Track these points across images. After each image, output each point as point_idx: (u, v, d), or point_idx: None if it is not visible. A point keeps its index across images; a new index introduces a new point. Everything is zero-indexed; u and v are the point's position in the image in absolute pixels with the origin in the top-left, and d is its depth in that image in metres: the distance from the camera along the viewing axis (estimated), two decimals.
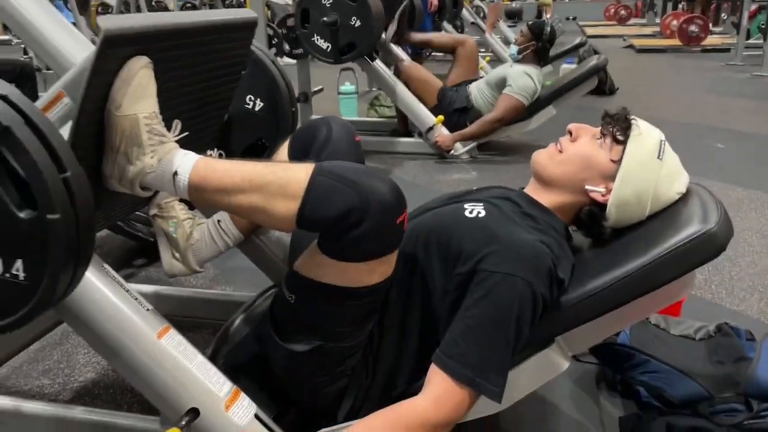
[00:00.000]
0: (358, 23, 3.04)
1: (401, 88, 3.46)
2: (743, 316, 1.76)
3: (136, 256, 2.26)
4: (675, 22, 9.08)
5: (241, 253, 1.54)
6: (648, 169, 1.12)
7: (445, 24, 5.74)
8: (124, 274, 2.13)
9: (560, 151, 1.19)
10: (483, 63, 5.30)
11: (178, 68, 1.17)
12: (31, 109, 0.81)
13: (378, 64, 3.42)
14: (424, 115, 3.43)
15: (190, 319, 1.71)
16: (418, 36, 3.77)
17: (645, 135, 1.15)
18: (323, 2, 3.05)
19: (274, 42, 3.63)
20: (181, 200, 1.32)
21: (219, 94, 1.35)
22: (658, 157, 1.13)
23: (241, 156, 1.61)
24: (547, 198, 1.20)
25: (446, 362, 1.02)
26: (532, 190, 1.23)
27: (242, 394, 1.14)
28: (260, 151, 1.60)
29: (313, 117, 4.10)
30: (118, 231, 2.21)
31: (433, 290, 1.11)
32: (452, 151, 3.42)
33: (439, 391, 1.01)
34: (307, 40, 3.15)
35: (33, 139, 0.79)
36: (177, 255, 1.30)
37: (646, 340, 1.47)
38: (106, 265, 1.13)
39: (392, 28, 3.46)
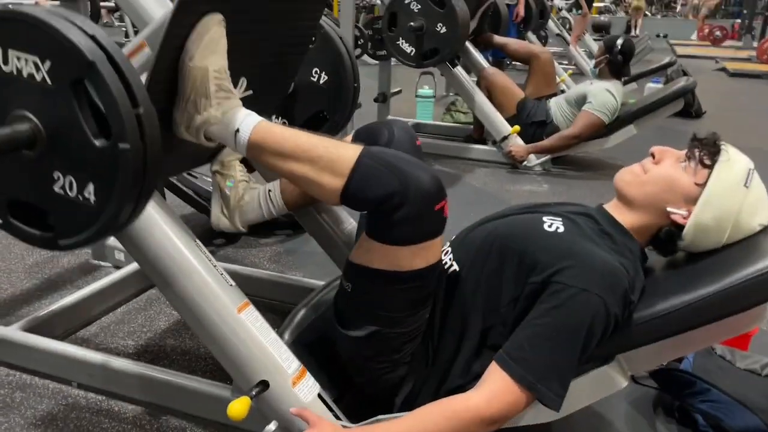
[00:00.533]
0: (443, 30, 3.10)
1: (479, 95, 3.48)
2: None
3: (217, 236, 2.40)
4: None
5: (313, 241, 1.63)
6: (732, 195, 1.12)
7: (530, 34, 5.71)
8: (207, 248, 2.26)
9: (645, 172, 1.21)
10: (564, 76, 5.23)
11: (249, 30, 1.24)
12: (114, 49, 0.90)
13: (459, 69, 3.46)
14: (500, 124, 3.45)
15: (261, 300, 1.81)
16: (496, 38, 3.78)
17: (733, 161, 1.15)
18: (412, 7, 3.12)
19: (359, 42, 3.72)
20: (242, 161, 1.42)
21: (287, 62, 1.42)
22: (745, 185, 1.13)
23: (303, 126, 1.70)
24: (627, 218, 1.21)
25: (509, 363, 1.06)
26: (613, 207, 1.25)
27: (308, 374, 1.22)
28: (321, 123, 1.68)
29: (389, 118, 4.18)
30: (203, 210, 2.35)
31: (501, 295, 1.14)
32: (525, 162, 3.42)
33: (496, 388, 1.05)
34: (392, 43, 3.23)
35: (113, 75, 0.87)
36: (226, 212, 1.41)
37: (710, 370, 1.46)
38: (198, 241, 1.23)
39: (472, 25, 3.48)
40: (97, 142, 0.90)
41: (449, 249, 1.27)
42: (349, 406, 1.26)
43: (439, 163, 3.60)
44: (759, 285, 1.02)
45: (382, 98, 4.14)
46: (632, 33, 13.20)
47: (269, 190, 1.42)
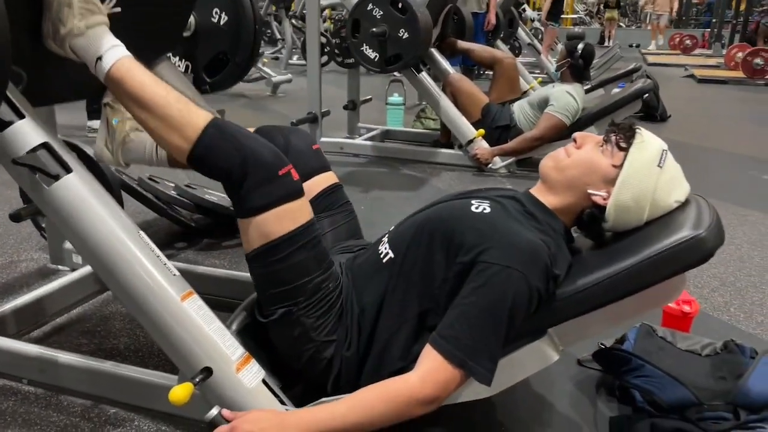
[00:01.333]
0: (405, 35, 3.15)
1: (444, 100, 3.54)
2: (757, 338, 1.76)
3: (178, 239, 2.41)
4: (740, 54, 8.85)
5: None
6: (647, 175, 1.17)
7: (499, 43, 5.82)
8: (165, 254, 2.27)
9: (568, 156, 1.25)
10: (534, 83, 5.33)
11: None
12: None
13: (423, 75, 3.52)
14: (466, 128, 3.51)
15: (217, 298, 1.83)
16: (461, 43, 3.85)
17: (647, 143, 1.20)
18: (374, 14, 3.18)
19: (326, 50, 3.77)
20: None
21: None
22: (659, 165, 1.18)
23: (206, 68, 1.72)
24: (551, 200, 1.26)
25: (440, 343, 1.09)
26: (538, 191, 1.29)
27: (253, 361, 1.24)
28: (223, 65, 1.69)
29: (360, 125, 4.22)
30: (163, 214, 2.37)
31: (433, 277, 1.18)
32: (491, 165, 3.48)
33: (430, 368, 1.09)
34: (356, 49, 3.28)
35: None
36: (110, 146, 1.44)
37: (651, 350, 1.50)
38: (142, 232, 1.25)
39: (435, 32, 3.55)
40: None
41: (386, 239, 1.31)
42: (298, 395, 1.29)
43: (407, 168, 3.65)
44: (670, 257, 1.07)
45: (352, 105, 4.20)
46: (606, 43, 13.43)
47: None
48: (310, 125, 3.73)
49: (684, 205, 1.19)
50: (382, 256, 1.27)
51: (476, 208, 1.21)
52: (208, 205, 2.39)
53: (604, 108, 3.47)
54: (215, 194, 2.50)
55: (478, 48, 3.94)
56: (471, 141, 3.48)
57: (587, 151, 1.24)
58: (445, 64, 3.80)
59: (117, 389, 1.40)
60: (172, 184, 2.50)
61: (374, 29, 3.14)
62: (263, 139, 1.19)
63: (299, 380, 1.36)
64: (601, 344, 1.57)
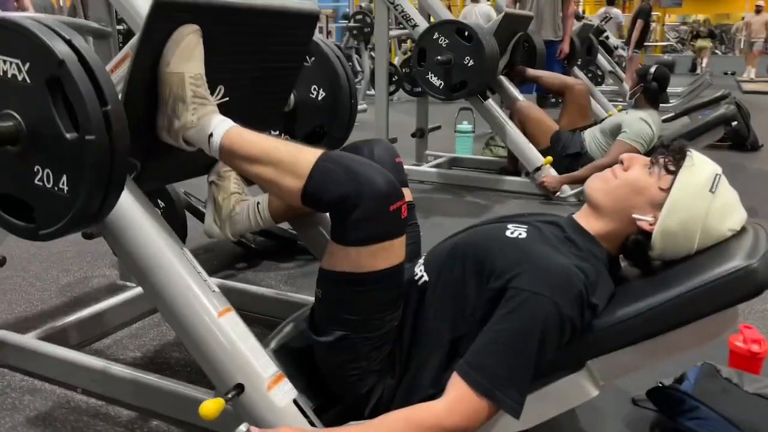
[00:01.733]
0: (471, 63, 3.15)
1: (511, 127, 3.49)
2: None
3: (239, 260, 2.48)
4: None
5: None
6: (697, 200, 1.10)
7: (577, 71, 5.69)
8: (225, 274, 2.35)
9: (615, 178, 1.20)
10: (613, 111, 5.16)
11: (230, 44, 1.32)
12: (87, 51, 1.00)
13: (490, 103, 3.49)
14: (532, 155, 3.43)
15: (267, 318, 1.86)
16: (530, 71, 3.79)
17: (698, 166, 1.13)
18: (440, 42, 3.19)
19: (393, 79, 3.82)
20: (240, 175, 1.49)
21: (278, 79, 1.50)
22: (711, 190, 1.10)
23: (303, 141, 1.74)
24: (594, 225, 1.20)
25: (467, 371, 1.05)
26: (582, 216, 1.24)
27: (285, 380, 1.24)
28: (319, 138, 1.74)
29: (429, 152, 4.23)
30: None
31: (465, 303, 1.15)
32: (559, 193, 3.38)
33: (456, 397, 1.05)
34: (421, 77, 3.31)
35: (83, 74, 0.98)
36: (218, 221, 1.47)
37: (713, 392, 1.39)
38: (185, 249, 1.30)
39: (504, 59, 3.52)
40: (68, 135, 1.00)
41: (423, 261, 1.28)
42: (332, 417, 1.28)
43: (472, 195, 3.61)
44: (719, 290, 0.99)
45: (420, 133, 4.21)
46: (697, 71, 12.87)
47: (258, 203, 1.48)
48: None
49: (741, 233, 1.10)
50: (417, 278, 1.25)
51: (511, 233, 1.17)
52: (272, 230, 2.45)
53: (682, 135, 3.30)
54: None
55: (547, 75, 3.87)
56: (538, 168, 3.40)
57: (634, 172, 1.17)
58: (514, 91, 3.76)
59: (160, 402, 1.44)
60: None
61: (439, 57, 3.15)
62: (378, 165, 1.14)
63: (335, 404, 1.35)
64: (660, 383, 1.47)
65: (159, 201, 2.19)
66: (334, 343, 1.19)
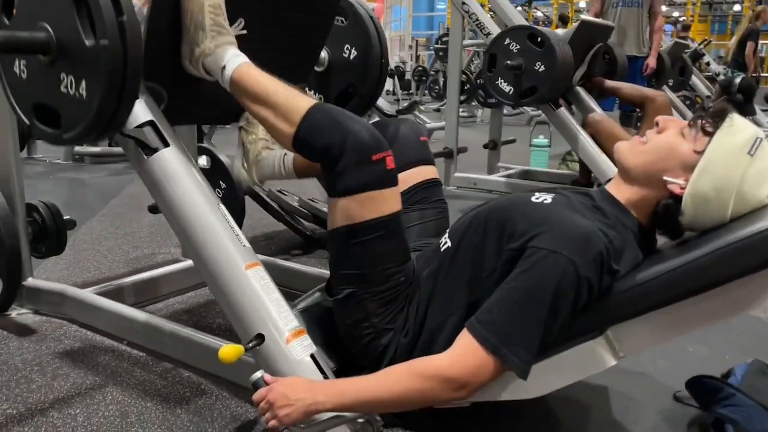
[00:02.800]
0: (542, 68, 3.10)
1: (584, 137, 3.39)
2: None
3: (296, 248, 2.55)
4: None
5: None
6: (733, 162, 1.03)
7: (666, 89, 5.44)
8: (281, 257, 2.42)
9: (644, 143, 1.14)
10: None
11: None
12: None
13: (562, 111, 3.41)
14: (605, 166, 3.30)
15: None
16: (608, 83, 3.67)
17: (738, 128, 1.05)
18: (511, 48, 3.17)
19: (465, 87, 3.82)
20: None
21: (308, 32, 1.55)
22: (749, 153, 1.03)
23: (335, 100, 1.81)
24: (625, 192, 1.15)
25: (475, 326, 1.03)
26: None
27: (305, 335, 1.26)
28: (350, 97, 1.78)
29: (501, 164, 4.18)
30: (283, 221, 2.53)
31: (483, 266, 1.13)
32: None
33: (461, 350, 1.03)
34: (491, 83, 3.29)
35: None
36: (245, 166, 1.52)
37: (762, 389, 1.28)
38: (222, 206, 1.35)
39: (581, 70, 3.43)
40: (87, 42, 1.10)
41: (449, 230, 1.28)
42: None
43: None
44: (748, 249, 0.92)
45: (492, 145, 4.18)
46: None
47: (285, 153, 1.53)
48: (446, 160, 3.78)
49: None
50: (441, 245, 1.25)
51: (536, 198, 1.15)
52: (325, 217, 2.50)
53: None
54: None
55: (626, 86, 3.71)
56: (610, 180, 3.26)
57: (668, 135, 1.11)
58: (591, 103, 3.64)
59: (192, 354, 1.50)
60: (297, 198, 2.66)
61: (509, 61, 3.13)
62: (365, 122, 1.20)
63: (356, 370, 1.35)
64: (704, 376, 1.36)
65: (221, 182, 2.30)
66: (344, 300, 1.21)
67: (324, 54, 1.80)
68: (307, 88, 1.85)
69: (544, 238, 1.02)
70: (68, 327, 1.74)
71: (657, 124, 1.14)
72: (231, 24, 1.32)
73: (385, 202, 1.16)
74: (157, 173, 1.34)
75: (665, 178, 1.09)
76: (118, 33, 1.09)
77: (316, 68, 1.79)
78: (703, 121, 1.08)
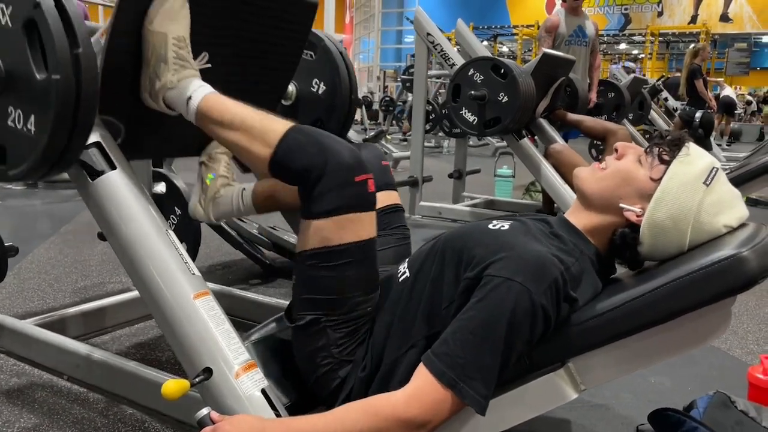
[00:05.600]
0: (505, 99, 3.13)
1: (546, 167, 3.41)
2: None
3: (254, 277, 2.48)
4: None
5: None
6: (690, 192, 1.02)
7: (628, 124, 5.57)
8: (239, 287, 2.34)
9: (603, 169, 1.13)
10: None
11: (220, 14, 1.33)
12: None
13: (525, 141, 3.44)
14: (567, 196, 3.33)
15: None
16: (570, 116, 3.73)
17: (693, 157, 1.05)
18: (474, 78, 3.20)
19: (431, 117, 3.84)
20: (234, 158, 1.49)
21: (275, 66, 1.52)
22: (705, 183, 1.02)
23: None
24: (582, 219, 1.13)
25: (432, 360, 0.99)
26: (571, 212, 1.17)
27: (256, 369, 1.19)
28: None
29: (466, 194, 4.18)
30: (242, 249, 2.45)
31: (441, 297, 1.09)
32: None
33: (417, 387, 0.98)
34: (455, 113, 3.30)
35: (56, 17, 1.00)
36: (202, 202, 1.46)
37: (724, 423, 1.26)
38: (171, 231, 1.29)
39: (544, 102, 3.47)
40: (39, 76, 1.03)
41: (408, 260, 1.24)
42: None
43: None
44: (702, 280, 0.90)
45: (457, 174, 4.19)
46: (766, 139, 12.44)
47: (243, 189, 1.47)
48: (411, 189, 3.76)
49: (739, 228, 1.01)
50: (399, 275, 1.21)
51: (494, 226, 1.12)
52: (286, 246, 2.45)
53: (732, 179, 3.14)
54: (295, 237, 2.56)
55: (588, 120, 3.78)
56: None
57: (626, 161, 1.10)
58: (553, 134, 3.69)
59: (136, 390, 1.41)
60: (257, 225, 2.60)
61: (473, 92, 3.15)
62: (346, 142, 1.15)
63: (312, 403, 1.29)
64: (666, 409, 1.34)
65: (176, 209, 2.23)
66: (306, 327, 1.15)
67: (292, 88, 1.78)
68: None
69: (499, 266, 0.99)
70: (5, 360, 1.63)
71: (616, 150, 1.13)
72: (195, 57, 1.28)
73: (363, 226, 1.11)
74: (102, 197, 1.28)
75: (621, 204, 1.07)
76: (72, 67, 1.02)
77: (284, 102, 1.77)
78: (660, 149, 1.07)
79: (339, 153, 1.07)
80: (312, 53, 1.73)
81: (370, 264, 1.14)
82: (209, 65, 1.31)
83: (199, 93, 1.20)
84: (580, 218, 1.13)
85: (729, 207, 1.03)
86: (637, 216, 1.05)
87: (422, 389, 0.97)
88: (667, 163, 1.05)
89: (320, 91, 1.72)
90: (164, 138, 1.45)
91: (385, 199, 1.47)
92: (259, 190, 1.46)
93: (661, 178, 1.04)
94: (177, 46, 1.21)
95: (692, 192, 1.02)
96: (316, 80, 1.72)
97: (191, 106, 1.20)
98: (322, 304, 1.13)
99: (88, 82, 1.04)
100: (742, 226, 1.02)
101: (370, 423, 0.97)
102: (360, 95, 8.96)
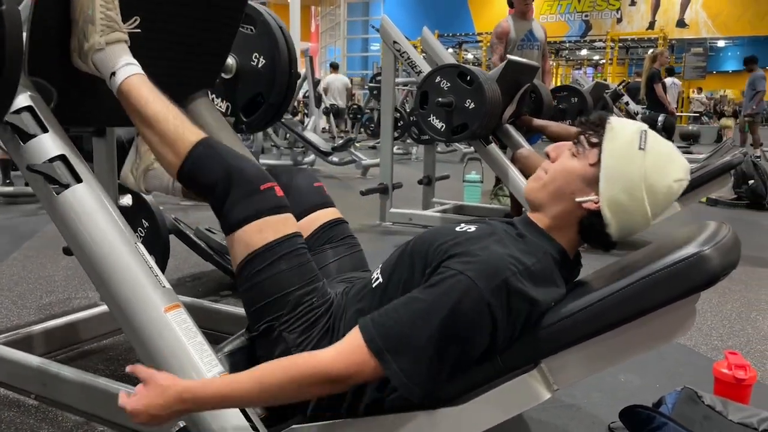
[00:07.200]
0: (471, 105, 3.17)
1: (513, 172, 3.46)
2: None
3: (225, 288, 2.45)
4: None
5: None
6: (628, 161, 1.04)
7: None
8: (209, 299, 2.31)
9: (544, 175, 1.15)
10: None
11: None
12: None
13: (492, 147, 3.48)
14: None
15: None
16: (536, 121, 3.79)
17: (618, 129, 1.07)
18: (441, 86, 3.23)
19: (399, 124, 3.86)
20: None
21: (210, 37, 1.52)
22: (640, 147, 1.04)
23: (243, 109, 1.78)
24: (545, 219, 1.15)
25: (367, 324, 1.00)
26: (534, 214, 1.19)
27: None
28: (258, 106, 1.76)
29: (435, 200, 4.20)
30: (211, 260, 2.42)
31: None
32: None
33: (348, 345, 1.00)
34: (423, 119, 3.33)
35: None
36: (134, 172, 1.47)
37: (693, 418, 1.29)
38: (140, 245, 1.27)
39: (510, 108, 3.53)
40: None
41: (380, 265, 1.25)
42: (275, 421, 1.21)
43: None
44: (671, 276, 0.92)
45: (427, 180, 4.21)
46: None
47: None
48: (381, 196, 3.77)
49: (702, 227, 1.04)
50: (374, 281, 1.21)
51: (460, 228, 1.13)
52: None
53: (693, 180, 3.23)
54: None
55: (553, 125, 3.85)
56: None
57: (561, 160, 1.13)
58: (519, 139, 3.75)
59: (106, 407, 1.38)
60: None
61: (440, 99, 3.18)
62: (249, 159, 1.21)
63: (285, 413, 1.28)
64: (637, 407, 1.36)
65: (144, 221, 2.20)
66: (262, 336, 1.17)
67: (231, 61, 1.77)
68: (213, 96, 1.82)
69: (455, 261, 1.02)
70: None
71: (548, 155, 1.16)
72: (125, 21, 1.26)
73: (281, 225, 1.16)
74: (68, 211, 1.26)
75: (577, 199, 1.09)
76: None
77: (224, 75, 1.77)
78: (586, 135, 1.10)
79: (243, 169, 1.14)
80: (252, 27, 1.73)
81: (300, 254, 1.18)
82: (139, 30, 1.30)
83: (124, 72, 1.22)
84: (541, 219, 1.15)
85: (670, 161, 1.05)
86: (595, 203, 1.07)
87: (350, 349, 0.99)
88: (598, 145, 1.07)
89: (260, 65, 1.72)
90: (100, 104, 1.42)
91: (324, 216, 1.48)
92: None
93: (598, 161, 1.06)
94: (105, 7, 1.21)
95: (631, 160, 1.04)
96: (256, 54, 1.72)
97: (114, 82, 1.22)
98: (269, 310, 1.16)
99: (11, 39, 1.04)
100: (703, 225, 1.05)
101: (290, 374, 0.98)
102: (327, 103, 8.96)
